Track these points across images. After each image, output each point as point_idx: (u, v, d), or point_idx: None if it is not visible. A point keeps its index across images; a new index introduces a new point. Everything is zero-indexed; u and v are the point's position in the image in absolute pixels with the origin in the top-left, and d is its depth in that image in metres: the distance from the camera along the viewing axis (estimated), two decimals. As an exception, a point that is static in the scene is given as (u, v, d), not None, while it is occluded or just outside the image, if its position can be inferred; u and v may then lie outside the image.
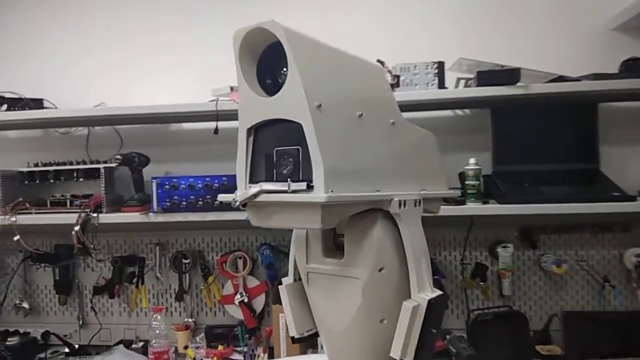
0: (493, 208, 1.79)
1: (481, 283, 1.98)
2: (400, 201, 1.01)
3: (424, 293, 1.03)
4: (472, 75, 1.86)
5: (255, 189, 0.90)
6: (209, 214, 1.89)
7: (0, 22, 2.47)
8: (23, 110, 2.14)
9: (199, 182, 1.90)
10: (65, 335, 2.25)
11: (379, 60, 1.87)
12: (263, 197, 0.89)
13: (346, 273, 1.04)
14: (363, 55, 1.14)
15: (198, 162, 2.26)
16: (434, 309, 1.01)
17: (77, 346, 2.17)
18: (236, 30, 0.85)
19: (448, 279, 2.08)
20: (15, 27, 2.46)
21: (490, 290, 2.03)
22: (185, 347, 1.99)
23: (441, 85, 1.82)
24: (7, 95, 2.21)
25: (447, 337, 1.79)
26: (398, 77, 1.82)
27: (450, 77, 1.94)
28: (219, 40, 2.11)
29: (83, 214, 1.92)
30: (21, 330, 2.26)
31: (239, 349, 2.03)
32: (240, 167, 0.96)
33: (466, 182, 1.82)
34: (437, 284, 1.92)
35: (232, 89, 1.94)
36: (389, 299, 1.04)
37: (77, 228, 1.89)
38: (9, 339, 2.15)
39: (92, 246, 1.92)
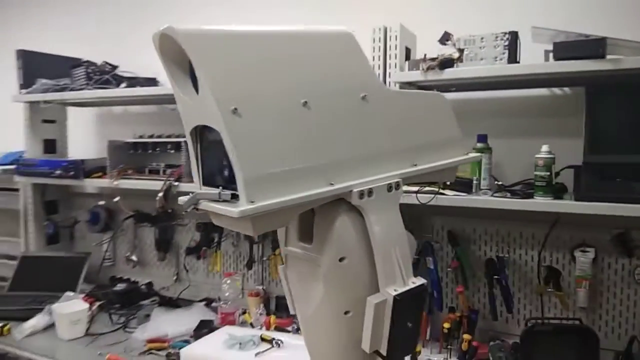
0: (564, 205, 1.53)
1: (554, 290, 1.71)
2: (362, 191, 0.93)
3: (392, 287, 0.95)
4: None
5: (189, 196, 0.88)
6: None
7: (119, 10, 2.83)
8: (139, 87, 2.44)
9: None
10: (163, 288, 2.56)
11: (446, 33, 1.71)
12: (203, 205, 0.86)
13: (313, 259, 1.01)
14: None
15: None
16: (403, 304, 0.94)
17: (168, 298, 2.45)
18: (152, 35, 0.82)
19: (522, 282, 1.84)
20: (134, 14, 2.79)
21: (571, 299, 1.74)
22: (244, 312, 2.11)
23: (512, 59, 1.59)
24: (126, 75, 2.53)
25: (491, 343, 1.62)
26: (462, 50, 1.64)
27: (535, 50, 1.68)
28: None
29: (167, 182, 2.13)
30: (131, 279, 2.64)
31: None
32: (194, 171, 0.94)
33: (535, 173, 1.58)
34: (500, 285, 1.73)
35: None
36: (353, 291, 0.98)
37: (160, 194, 2.11)
38: (118, 285, 2.52)
39: (170, 210, 2.12)
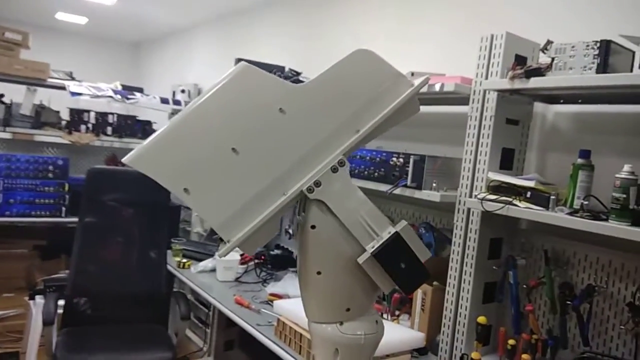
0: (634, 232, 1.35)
1: None
2: (310, 187, 1.09)
3: (370, 244, 1.13)
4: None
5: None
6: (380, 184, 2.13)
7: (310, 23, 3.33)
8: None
9: (378, 155, 2.17)
10: (308, 260, 2.98)
11: (548, 41, 1.64)
12: None
13: (302, 227, 1.24)
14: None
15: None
16: (383, 255, 1.12)
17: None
18: None
19: (618, 319, 1.63)
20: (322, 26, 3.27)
21: (665, 348, 1.48)
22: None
23: (603, 69, 1.45)
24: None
25: (528, 363, 1.53)
26: (552, 59, 1.56)
27: None
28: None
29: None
30: (289, 248, 3.14)
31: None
32: None
33: (612, 194, 1.42)
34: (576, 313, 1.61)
35: (412, 74, 2.10)
36: (322, 253, 1.19)
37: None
38: (274, 250, 3.05)
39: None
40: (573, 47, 1.53)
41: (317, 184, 1.12)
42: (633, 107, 1.72)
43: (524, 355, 1.62)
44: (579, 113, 1.93)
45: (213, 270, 2.77)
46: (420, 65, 2.36)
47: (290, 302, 2.12)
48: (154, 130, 4.48)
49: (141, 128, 4.33)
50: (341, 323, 1.22)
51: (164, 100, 4.34)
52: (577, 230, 1.53)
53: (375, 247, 1.12)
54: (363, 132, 1.14)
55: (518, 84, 1.62)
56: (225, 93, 1.08)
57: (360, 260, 1.14)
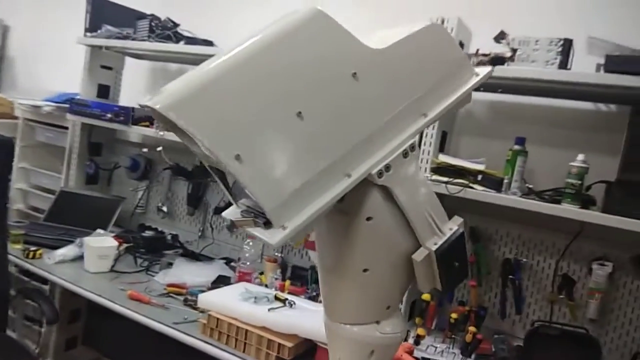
0: (590, 215, 1.55)
1: (566, 299, 1.73)
2: (380, 171, 0.91)
3: (432, 241, 0.98)
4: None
5: (227, 223, 0.87)
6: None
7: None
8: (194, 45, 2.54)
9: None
10: (187, 242, 2.66)
11: (502, 32, 1.73)
12: (246, 229, 0.83)
13: (343, 215, 1.04)
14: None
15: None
16: (445, 253, 0.99)
17: (191, 252, 2.56)
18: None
19: (535, 287, 1.87)
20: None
21: (580, 311, 1.76)
22: (261, 273, 2.19)
23: (563, 66, 1.61)
24: (186, 34, 2.64)
25: (495, 336, 1.66)
26: (515, 50, 1.67)
27: (588, 64, 1.70)
28: None
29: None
30: (159, 228, 2.75)
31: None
32: (224, 190, 0.91)
33: (566, 180, 1.60)
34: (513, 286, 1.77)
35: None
36: (375, 249, 1.00)
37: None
38: (146, 232, 2.64)
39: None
40: (537, 41, 1.64)
41: (387, 168, 0.97)
42: (551, 101, 1.94)
43: (471, 327, 1.73)
44: (494, 102, 2.11)
45: (75, 259, 2.26)
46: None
47: (217, 294, 1.86)
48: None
49: None
50: (378, 322, 1.11)
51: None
52: (503, 208, 1.68)
53: (439, 244, 1.02)
54: (432, 117, 1.01)
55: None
56: (294, 42, 0.85)
57: (418, 257, 1.01)
